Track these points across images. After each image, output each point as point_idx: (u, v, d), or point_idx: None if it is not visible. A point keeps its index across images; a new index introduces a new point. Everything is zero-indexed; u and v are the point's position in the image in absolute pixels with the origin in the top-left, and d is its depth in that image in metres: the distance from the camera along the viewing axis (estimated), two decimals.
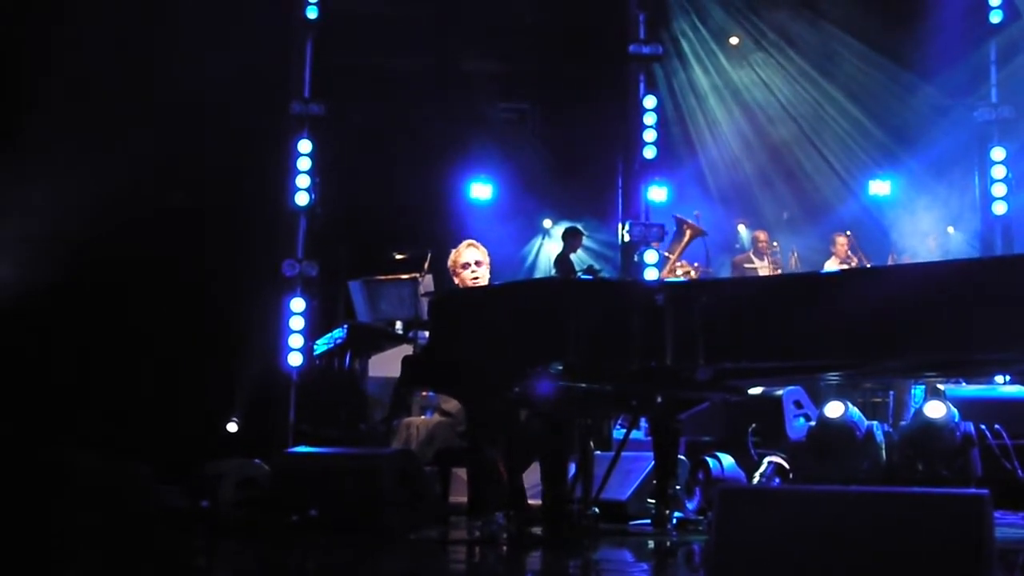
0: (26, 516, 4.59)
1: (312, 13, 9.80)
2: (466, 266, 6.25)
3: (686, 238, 11.01)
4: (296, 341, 9.25)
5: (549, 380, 5.21)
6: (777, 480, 7.18)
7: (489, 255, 6.40)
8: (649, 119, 9.69)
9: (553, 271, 11.53)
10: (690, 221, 11.06)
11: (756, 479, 7.16)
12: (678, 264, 10.79)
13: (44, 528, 4.57)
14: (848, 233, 11.16)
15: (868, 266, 10.48)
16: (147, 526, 5.50)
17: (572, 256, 11.02)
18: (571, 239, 11.10)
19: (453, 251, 6.39)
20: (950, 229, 12.04)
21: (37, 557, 4.23)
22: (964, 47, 10.46)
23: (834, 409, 7.24)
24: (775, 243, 11.74)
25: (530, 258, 13.85)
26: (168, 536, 5.75)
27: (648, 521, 6.24)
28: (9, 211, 8.65)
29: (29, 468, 4.99)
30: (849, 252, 10.96)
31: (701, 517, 6.26)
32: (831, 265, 10.82)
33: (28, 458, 5.52)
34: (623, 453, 6.33)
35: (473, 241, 6.42)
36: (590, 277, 6.68)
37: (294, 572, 4.84)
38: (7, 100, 8.88)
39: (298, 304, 9.32)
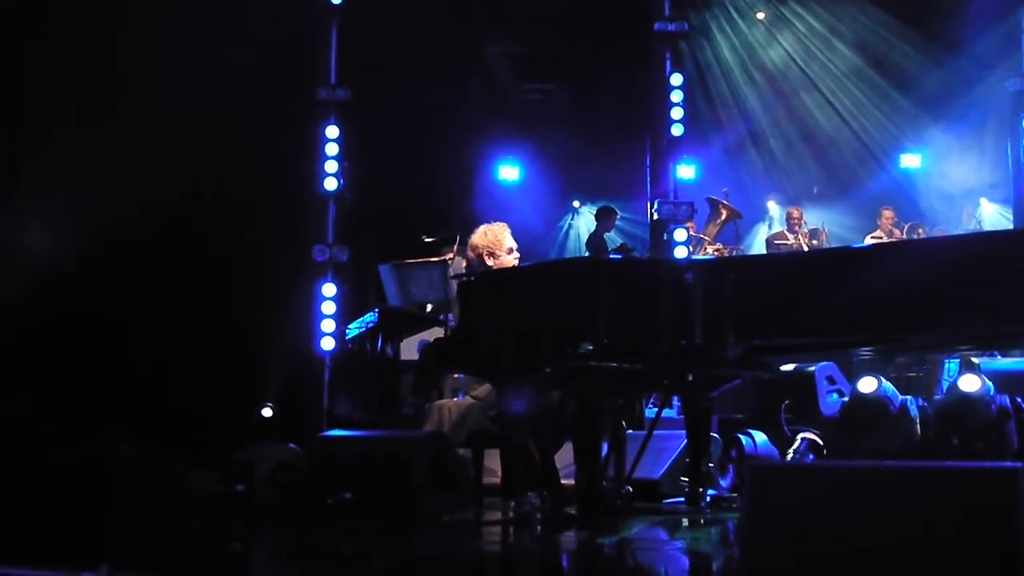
0: (66, 505, 4.64)
1: None
2: (511, 251, 6.24)
3: (722, 219, 10.97)
4: (328, 326, 9.29)
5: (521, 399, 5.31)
6: (811, 456, 7.16)
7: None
8: (676, 97, 9.63)
9: (585, 251, 11.54)
10: (725, 203, 11.01)
11: (789, 456, 7.15)
12: (709, 244, 10.77)
13: (84, 516, 4.62)
14: None
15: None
16: (185, 513, 5.55)
17: (606, 235, 11.00)
18: (605, 218, 11.08)
19: (488, 230, 6.31)
20: (983, 201, 11.95)
21: (78, 545, 4.28)
22: (994, 17, 10.34)
23: (867, 384, 7.20)
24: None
25: (559, 239, 13.84)
26: (205, 522, 5.81)
27: (682, 499, 6.25)
28: (43, 197, 8.72)
29: (69, 457, 5.04)
30: (893, 227, 10.94)
31: (735, 495, 6.26)
32: (876, 238, 10.81)
33: (68, 448, 5.57)
34: (655, 432, 6.34)
35: (506, 224, 6.40)
36: (620, 256, 6.67)
37: (329, 555, 4.88)
38: (48, 93, 8.97)
39: (329, 289, 9.36)
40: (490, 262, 6.24)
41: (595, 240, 11.03)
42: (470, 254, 6.39)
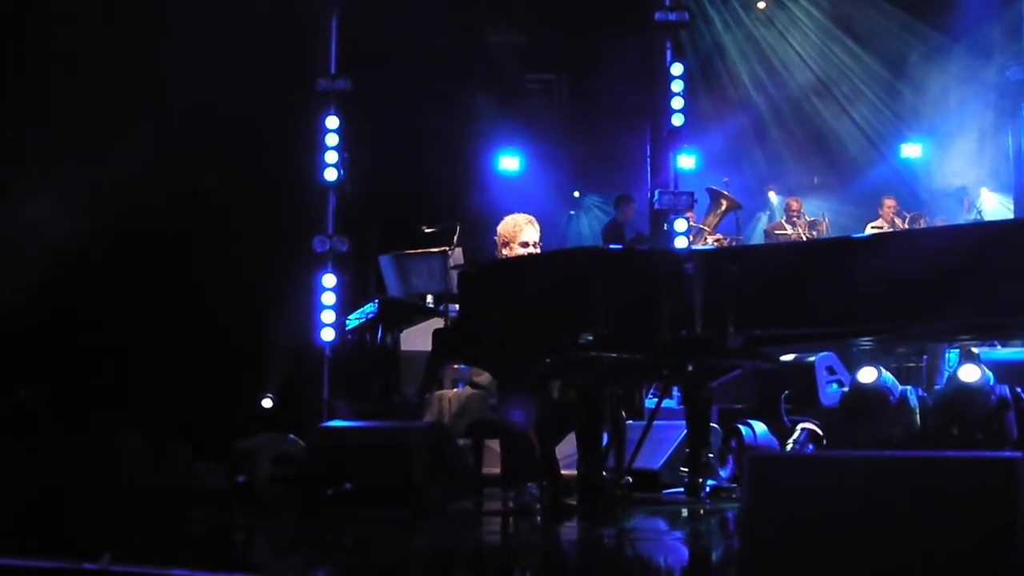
0: (68, 495, 4.65)
1: None
2: (525, 244, 6.23)
3: (722, 210, 10.96)
4: (328, 316, 9.29)
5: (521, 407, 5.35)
6: (810, 447, 7.17)
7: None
8: (676, 86, 9.60)
9: (598, 239, 11.51)
10: (726, 193, 11.00)
11: (789, 446, 7.16)
12: (709, 235, 10.76)
13: (86, 507, 4.63)
14: None
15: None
16: (186, 504, 5.56)
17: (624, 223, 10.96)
18: (624, 206, 11.03)
19: (513, 221, 6.30)
20: (983, 190, 11.95)
21: (80, 535, 4.29)
22: (995, 6, 10.32)
23: (867, 374, 7.21)
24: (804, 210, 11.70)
25: (559, 229, 13.83)
26: (206, 513, 5.82)
27: (681, 489, 6.26)
28: (43, 191, 8.72)
29: (71, 448, 5.05)
30: (895, 216, 10.94)
31: (734, 485, 6.27)
32: (876, 227, 10.81)
33: (70, 438, 5.58)
34: (655, 422, 6.34)
35: (533, 219, 6.36)
36: (618, 247, 6.66)
37: (330, 546, 4.89)
38: (47, 85, 8.97)
39: (329, 280, 9.36)
40: (504, 252, 6.23)
41: (613, 228, 10.99)
42: (497, 239, 6.40)
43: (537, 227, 6.32)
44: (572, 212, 13.94)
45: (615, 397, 5.96)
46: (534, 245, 6.23)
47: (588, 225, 13.71)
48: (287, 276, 9.44)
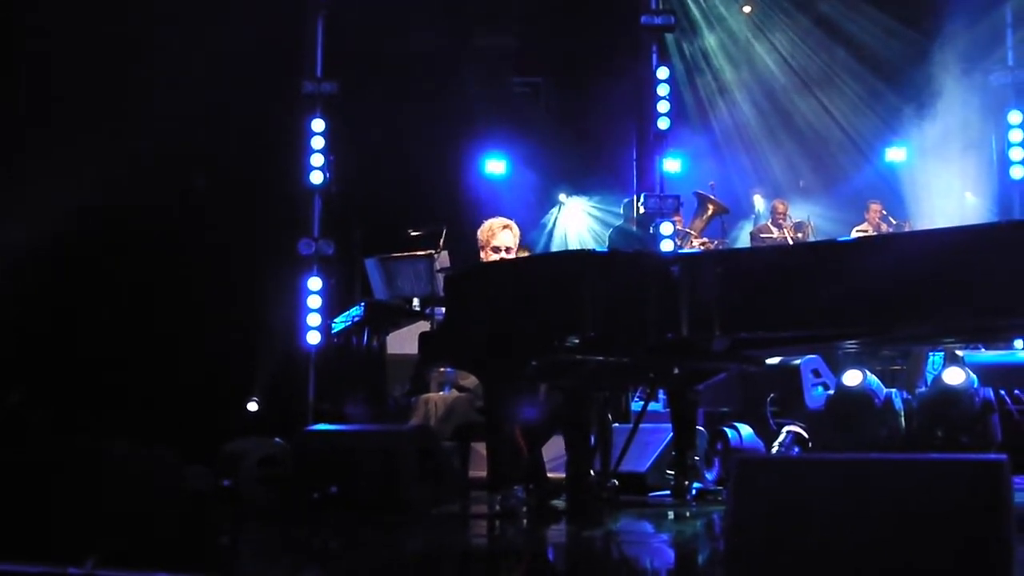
0: (52, 499, 4.63)
1: None
2: (496, 250, 6.25)
3: (708, 214, 10.98)
4: (314, 320, 9.28)
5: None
6: (796, 449, 7.19)
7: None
8: (662, 90, 9.62)
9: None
10: (713, 197, 11.02)
11: (775, 448, 7.17)
12: (695, 238, 10.78)
13: (70, 511, 4.60)
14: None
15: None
16: (173, 508, 5.54)
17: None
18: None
19: (488, 224, 6.34)
20: (968, 195, 11.98)
21: (63, 539, 4.27)
22: (979, 10, 10.37)
23: (852, 377, 7.24)
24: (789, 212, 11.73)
25: (545, 232, 13.83)
26: (191, 516, 5.79)
27: (667, 492, 6.26)
28: (32, 192, 8.69)
29: (55, 451, 5.03)
30: (880, 220, 10.97)
31: (720, 487, 6.28)
32: (862, 231, 10.84)
33: (55, 441, 5.55)
34: (641, 425, 6.35)
35: (511, 224, 6.38)
36: (604, 250, 6.65)
37: (316, 550, 4.88)
38: (36, 87, 8.94)
39: (315, 283, 9.35)
40: (481, 255, 6.29)
41: (626, 236, 10.97)
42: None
43: (516, 232, 6.35)
44: (557, 216, 13.93)
45: (601, 400, 5.97)
46: (507, 251, 6.25)
47: (574, 228, 13.72)
48: (273, 279, 9.43)
